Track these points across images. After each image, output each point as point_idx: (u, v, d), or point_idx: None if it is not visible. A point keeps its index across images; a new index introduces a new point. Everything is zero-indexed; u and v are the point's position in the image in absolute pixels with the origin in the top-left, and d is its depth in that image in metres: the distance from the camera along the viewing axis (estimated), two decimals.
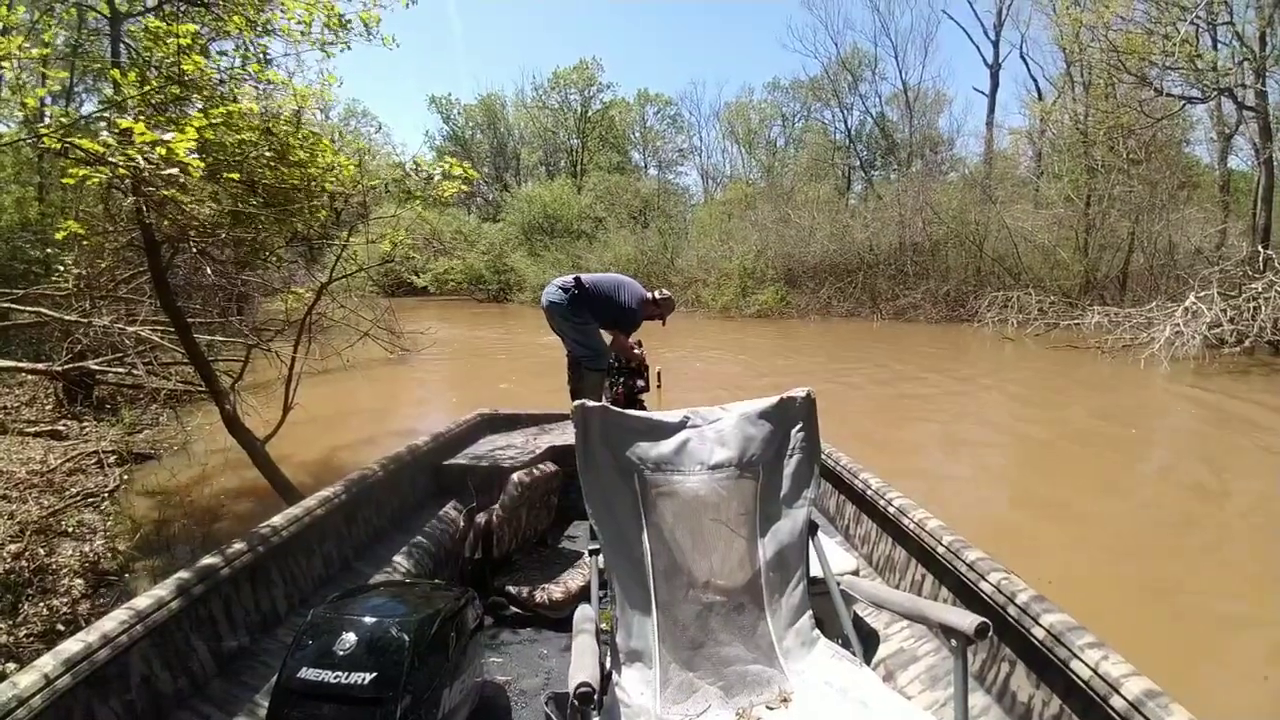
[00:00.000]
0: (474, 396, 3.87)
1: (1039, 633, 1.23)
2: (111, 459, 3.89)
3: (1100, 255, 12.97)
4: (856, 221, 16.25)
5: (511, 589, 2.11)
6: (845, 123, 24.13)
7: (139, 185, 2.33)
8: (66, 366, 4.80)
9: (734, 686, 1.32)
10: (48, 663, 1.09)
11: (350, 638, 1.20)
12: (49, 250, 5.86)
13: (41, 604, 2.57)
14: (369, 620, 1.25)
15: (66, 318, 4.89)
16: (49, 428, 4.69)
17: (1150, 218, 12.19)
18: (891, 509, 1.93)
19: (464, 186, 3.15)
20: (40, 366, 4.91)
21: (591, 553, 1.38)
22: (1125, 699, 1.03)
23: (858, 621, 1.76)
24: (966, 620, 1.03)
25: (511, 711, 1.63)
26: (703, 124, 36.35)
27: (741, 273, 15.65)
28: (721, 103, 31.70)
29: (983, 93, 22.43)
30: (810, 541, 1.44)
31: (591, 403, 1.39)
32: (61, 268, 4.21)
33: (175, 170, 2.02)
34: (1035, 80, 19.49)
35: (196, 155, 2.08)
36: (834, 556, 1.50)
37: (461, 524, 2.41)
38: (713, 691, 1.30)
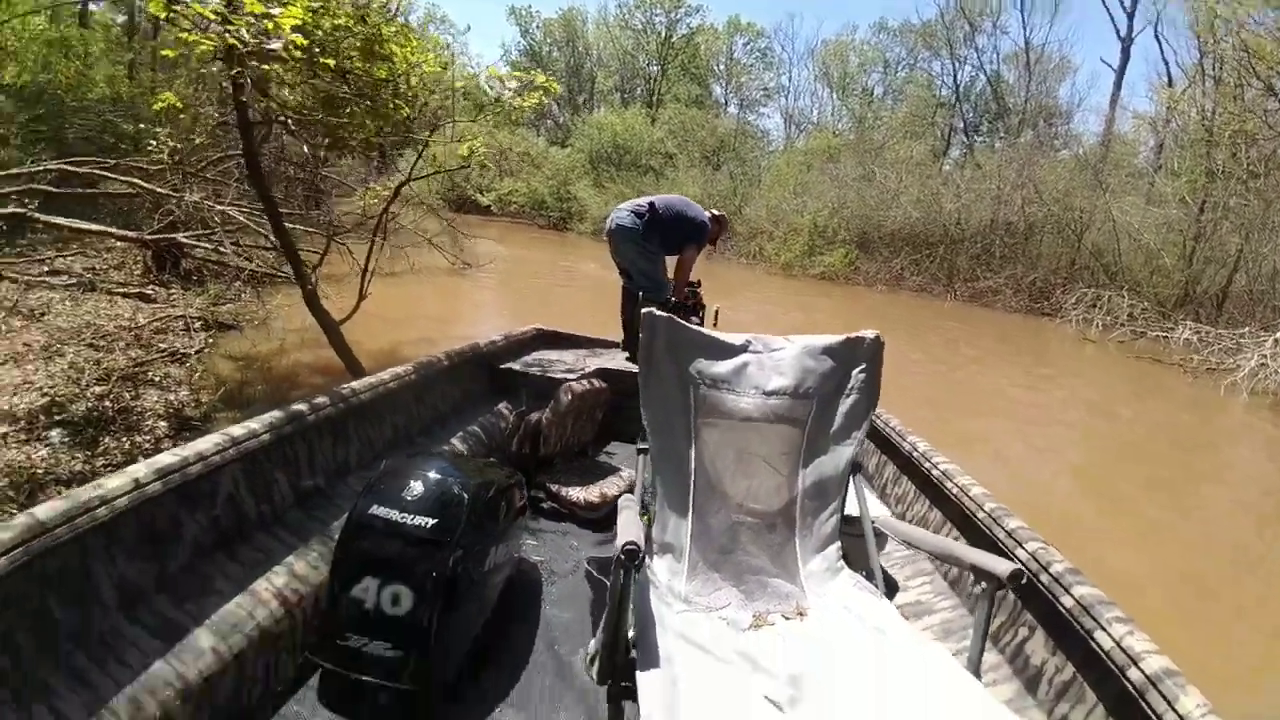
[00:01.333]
0: (528, 316, 4.08)
1: (1068, 601, 1.26)
2: (197, 324, 4.32)
3: (1204, 268, 11.91)
4: (948, 190, 15.14)
5: (552, 486, 2.32)
6: (954, 77, 22.25)
7: (239, 60, 2.48)
8: (156, 236, 5.26)
9: (755, 593, 1.43)
10: (140, 469, 1.23)
11: (418, 487, 1.39)
12: (141, 126, 6.29)
13: (125, 440, 2.97)
14: (435, 476, 1.44)
15: (159, 190, 5.32)
16: (137, 290, 5.20)
17: (1260, 237, 11.13)
18: (936, 471, 1.97)
19: (544, 99, 3.20)
20: (131, 234, 5.38)
21: (640, 451, 1.48)
22: (1143, 673, 1.05)
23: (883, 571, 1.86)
24: (1001, 565, 1.07)
25: (542, 587, 1.85)
26: (794, 62, 34.02)
27: (812, 229, 15.08)
28: (819, 40, 29.83)
29: (1111, 66, 20.20)
30: (851, 479, 1.51)
31: (660, 311, 1.47)
32: (155, 142, 4.53)
33: (278, 46, 2.14)
34: (1167, 63, 17.86)
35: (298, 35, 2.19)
36: (871, 504, 1.55)
37: (512, 422, 2.63)
38: (734, 593, 1.42)
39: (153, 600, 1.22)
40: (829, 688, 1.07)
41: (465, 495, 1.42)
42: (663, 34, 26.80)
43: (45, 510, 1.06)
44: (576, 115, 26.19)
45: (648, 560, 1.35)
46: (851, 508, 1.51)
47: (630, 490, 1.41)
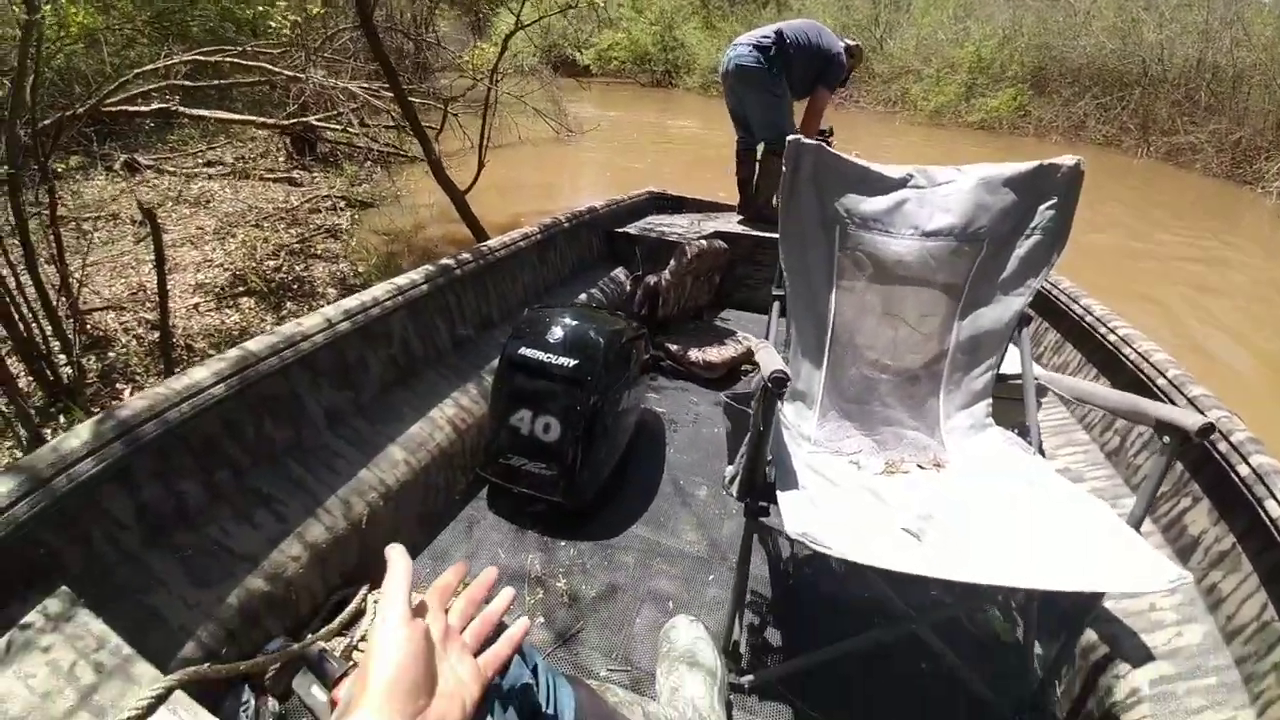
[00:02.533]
0: (634, 180, 4.05)
1: (1244, 470, 1.20)
2: (341, 204, 4.80)
3: None
4: (1151, 16, 11.92)
5: (670, 346, 2.43)
6: None
7: None
8: (291, 121, 5.71)
9: (888, 442, 1.41)
10: (329, 310, 1.46)
11: (559, 331, 1.57)
12: (263, 9, 6.54)
13: (304, 304, 3.49)
14: (573, 323, 1.60)
15: (285, 72, 5.68)
16: (285, 175, 5.80)
17: None
18: (1113, 337, 1.82)
19: None
20: (269, 120, 5.89)
21: (775, 297, 1.47)
22: None
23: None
24: (1191, 418, 0.99)
25: (665, 434, 2.03)
26: None
27: (974, 64, 12.78)
28: None
29: None
30: (1016, 334, 1.39)
31: (807, 139, 1.35)
32: (273, 25, 4.74)
33: None
34: None
35: None
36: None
37: (629, 286, 2.74)
38: (866, 441, 1.42)
39: (352, 420, 1.51)
40: (968, 527, 1.08)
41: (601, 341, 1.57)
42: None
43: (255, 343, 1.30)
44: None
45: (780, 403, 1.39)
46: (1010, 365, 1.41)
47: (763, 340, 1.44)
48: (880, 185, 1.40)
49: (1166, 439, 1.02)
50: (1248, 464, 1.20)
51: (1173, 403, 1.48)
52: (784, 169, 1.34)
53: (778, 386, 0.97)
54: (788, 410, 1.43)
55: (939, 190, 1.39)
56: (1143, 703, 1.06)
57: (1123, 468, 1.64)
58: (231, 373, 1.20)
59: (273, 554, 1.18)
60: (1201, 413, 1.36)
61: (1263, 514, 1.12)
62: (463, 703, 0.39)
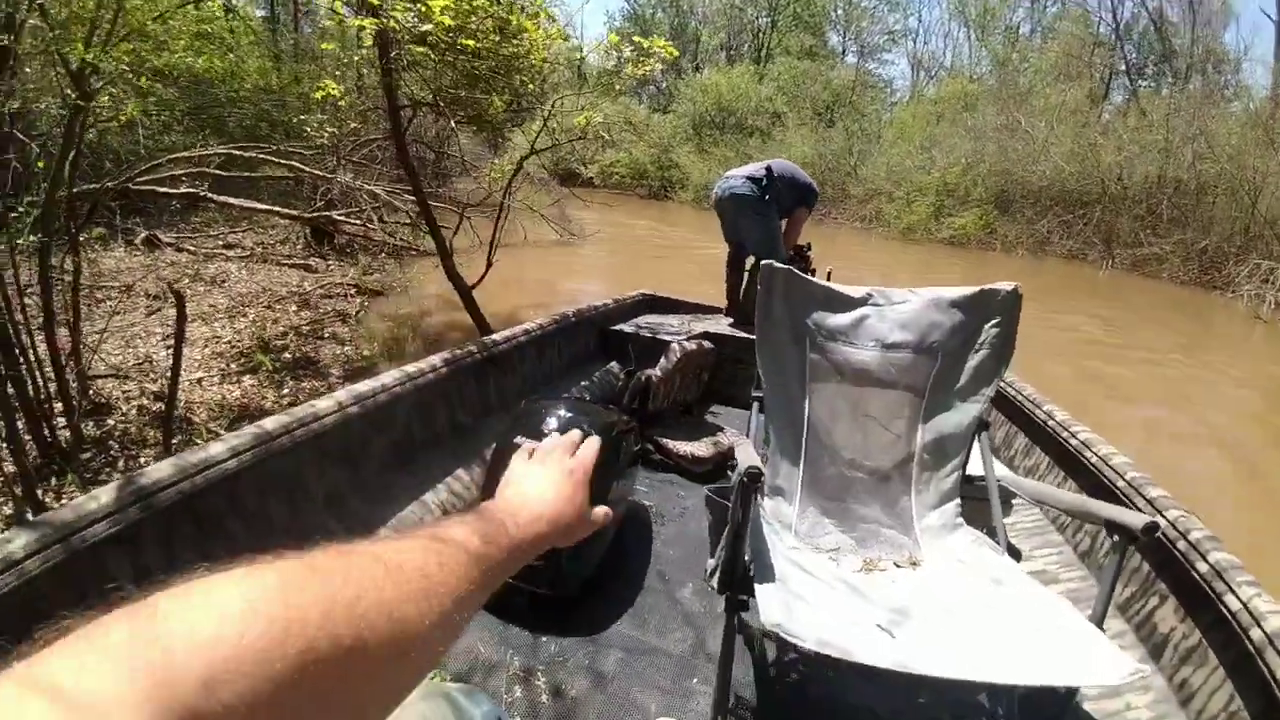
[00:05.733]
0: (631, 282, 4.30)
1: (1202, 567, 1.25)
2: (352, 291, 4.99)
3: None
4: (1109, 140, 13.20)
5: (660, 440, 2.48)
6: (1115, 14, 19.10)
7: (386, 47, 2.81)
8: (315, 215, 6.06)
9: (866, 540, 1.47)
10: (342, 394, 1.54)
11: (553, 423, 1.63)
12: (303, 117, 7.11)
13: (306, 384, 3.55)
14: (566, 415, 1.67)
15: (316, 173, 6.09)
16: (301, 262, 6.05)
17: None
18: (1074, 440, 1.91)
19: (660, 65, 3.28)
20: (293, 212, 6.22)
21: (754, 399, 1.57)
22: (1264, 631, 1.07)
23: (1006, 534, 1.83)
24: (1135, 518, 1.05)
25: (653, 528, 2.04)
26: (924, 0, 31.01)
27: (940, 189, 13.91)
28: None
29: (1270, 17, 16.70)
30: (976, 439, 1.48)
31: (779, 264, 1.51)
32: (309, 130, 5.16)
33: (430, 27, 2.41)
34: None
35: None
36: (997, 467, 1.51)
37: (621, 380, 2.84)
38: (844, 538, 1.47)
39: (350, 500, 1.54)
40: (942, 626, 1.10)
41: (591, 433, 1.63)
42: None
43: (271, 421, 1.35)
44: (679, 79, 25.81)
45: (760, 498, 1.43)
46: (975, 468, 1.48)
47: (744, 439, 1.52)
48: (844, 304, 1.56)
49: (1116, 538, 1.08)
50: (1206, 561, 1.26)
51: (1133, 504, 1.54)
52: (759, 289, 1.49)
53: (752, 481, 1.03)
54: (768, 505, 1.48)
55: (896, 308, 1.55)
56: None
57: (1094, 568, 1.68)
58: (246, 449, 1.25)
59: None
60: (1160, 513, 1.43)
61: (1223, 609, 1.17)
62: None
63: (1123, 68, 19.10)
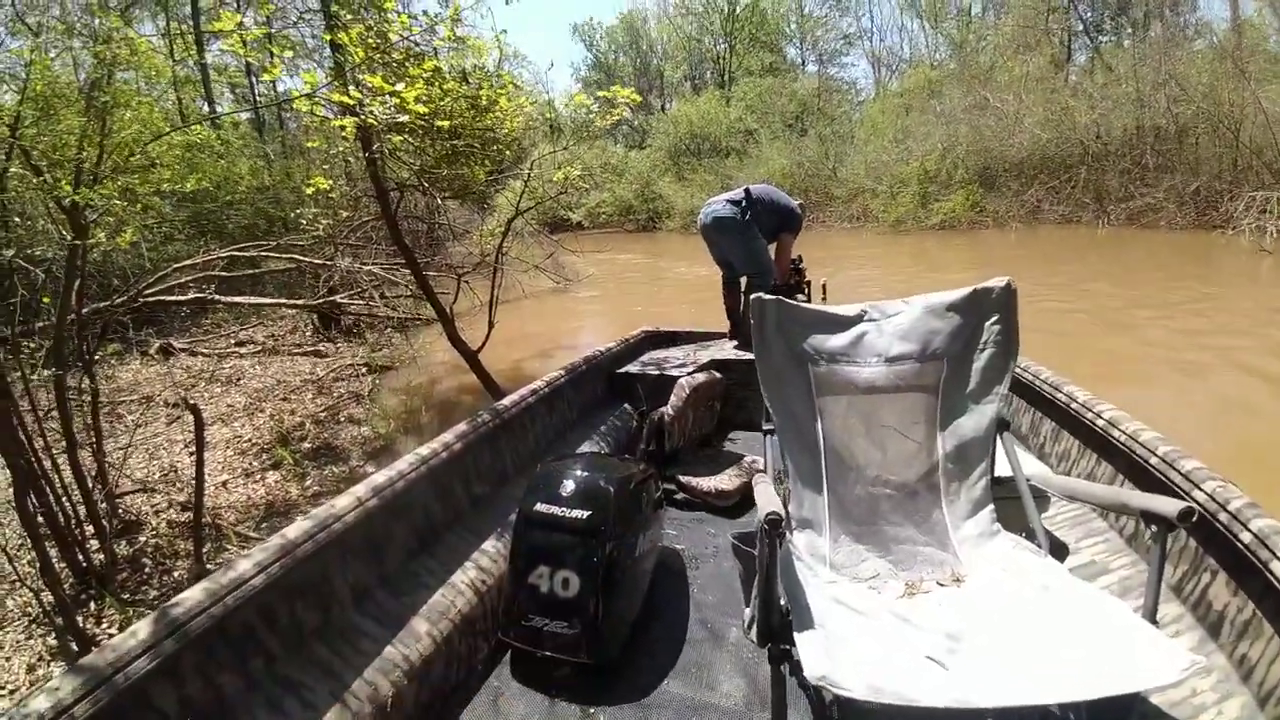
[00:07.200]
0: (633, 319, 4.31)
1: (1246, 537, 1.20)
2: (363, 370, 5.04)
3: None
4: (1080, 101, 13.24)
5: (682, 479, 2.43)
6: None
7: (369, 140, 2.90)
8: (319, 301, 6.18)
9: (904, 561, 1.40)
10: (359, 489, 1.50)
11: (570, 485, 1.59)
12: (295, 212, 7.35)
13: (328, 469, 3.56)
14: (583, 474, 1.63)
15: (316, 261, 6.25)
16: (311, 349, 6.15)
17: None
18: (1100, 421, 1.84)
19: (625, 113, 3.35)
20: (298, 302, 6.36)
21: (766, 432, 1.53)
22: None
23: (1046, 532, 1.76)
24: (1169, 505, 1.02)
25: (687, 573, 1.97)
26: None
27: (922, 177, 13.96)
28: None
29: None
30: (998, 438, 1.43)
31: (768, 296, 1.50)
32: (305, 222, 5.31)
33: (406, 117, 2.48)
34: None
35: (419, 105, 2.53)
36: (1026, 463, 1.48)
37: (635, 422, 2.80)
38: (882, 564, 1.40)
39: (377, 594, 1.50)
40: (994, 647, 1.05)
41: (610, 489, 1.59)
42: (725, 9, 26.17)
43: (293, 529, 1.33)
44: (650, 115, 26.41)
45: (789, 535, 1.38)
46: (1003, 468, 1.44)
47: (761, 472, 1.48)
48: (839, 324, 1.54)
49: (1155, 528, 1.04)
50: (1249, 530, 1.20)
51: (1169, 480, 1.48)
52: (753, 323, 1.47)
53: (774, 527, 0.99)
54: (799, 540, 1.43)
55: (892, 320, 1.52)
56: None
57: (1142, 551, 1.60)
58: (271, 561, 1.23)
59: None
60: (1197, 486, 1.37)
61: (1270, 577, 1.12)
62: None
63: (1080, 28, 19.17)
